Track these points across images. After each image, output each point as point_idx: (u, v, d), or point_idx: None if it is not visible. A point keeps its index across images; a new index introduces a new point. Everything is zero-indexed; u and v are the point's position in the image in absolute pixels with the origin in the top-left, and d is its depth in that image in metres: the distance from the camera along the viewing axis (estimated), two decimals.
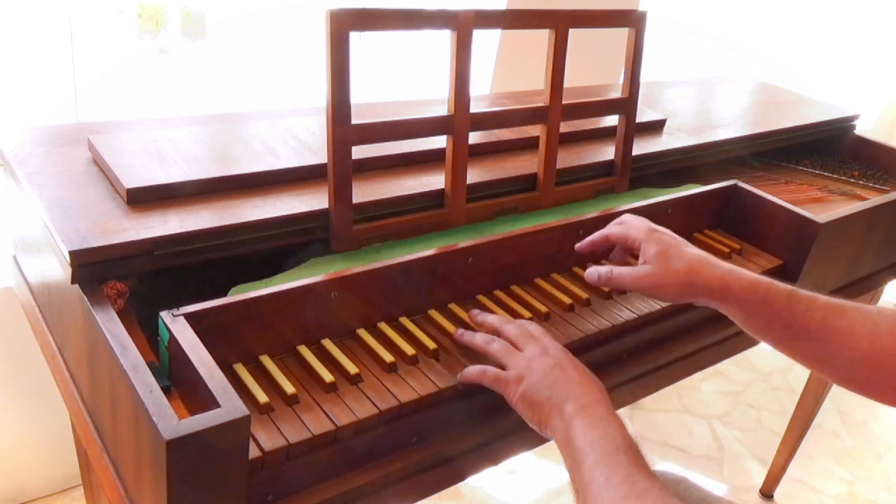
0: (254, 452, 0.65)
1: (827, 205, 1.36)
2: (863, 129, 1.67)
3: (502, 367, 0.78)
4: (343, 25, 0.81)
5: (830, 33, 2.93)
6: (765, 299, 0.82)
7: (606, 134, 1.24)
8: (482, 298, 0.93)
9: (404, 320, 0.86)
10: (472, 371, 0.79)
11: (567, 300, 0.95)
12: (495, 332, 0.83)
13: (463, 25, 0.91)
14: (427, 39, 1.86)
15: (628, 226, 0.91)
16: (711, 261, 0.85)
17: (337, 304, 0.81)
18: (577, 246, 0.95)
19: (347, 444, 0.72)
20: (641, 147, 1.22)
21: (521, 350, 0.79)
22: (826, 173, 1.53)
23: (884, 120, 3.22)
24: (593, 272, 0.89)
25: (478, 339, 0.82)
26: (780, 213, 1.14)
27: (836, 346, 0.80)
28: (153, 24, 1.67)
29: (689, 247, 0.87)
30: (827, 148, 1.63)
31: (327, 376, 0.75)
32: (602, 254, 0.98)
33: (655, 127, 1.34)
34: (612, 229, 0.92)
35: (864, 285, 1.38)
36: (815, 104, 1.67)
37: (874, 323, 0.79)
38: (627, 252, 0.94)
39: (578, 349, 0.90)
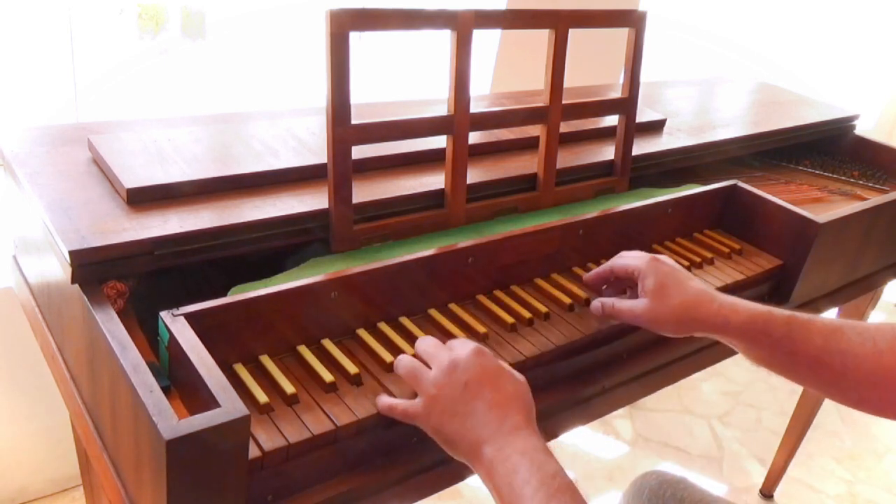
0: (254, 452, 0.65)
1: (827, 205, 1.36)
2: (863, 129, 1.67)
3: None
4: (343, 25, 0.81)
5: (830, 33, 2.93)
6: (764, 329, 0.82)
7: (606, 134, 1.24)
8: (482, 298, 0.93)
9: (404, 320, 0.86)
10: (382, 404, 0.72)
11: (567, 300, 0.95)
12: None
13: (463, 25, 0.91)
14: (427, 39, 1.86)
15: (630, 256, 0.91)
16: (708, 295, 0.84)
17: (337, 304, 0.81)
18: (585, 278, 0.96)
19: (347, 444, 0.72)
20: (641, 147, 1.22)
21: (430, 366, 0.72)
22: (826, 173, 1.53)
23: (884, 120, 3.22)
24: (597, 304, 0.90)
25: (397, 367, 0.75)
26: (780, 213, 1.14)
27: (841, 368, 0.79)
28: (153, 24, 1.67)
29: (689, 280, 0.86)
30: (827, 148, 1.63)
31: (327, 376, 0.75)
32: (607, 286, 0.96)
33: (655, 127, 1.34)
34: (615, 262, 0.92)
35: (864, 285, 1.38)
36: (815, 104, 1.67)
37: (874, 342, 0.79)
38: (631, 284, 0.91)
39: (579, 349, 0.91)
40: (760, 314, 0.82)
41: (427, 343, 0.75)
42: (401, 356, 0.75)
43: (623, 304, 0.87)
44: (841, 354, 0.79)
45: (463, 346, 0.73)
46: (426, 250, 0.88)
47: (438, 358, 0.72)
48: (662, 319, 0.84)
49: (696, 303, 0.83)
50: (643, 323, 0.85)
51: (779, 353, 0.82)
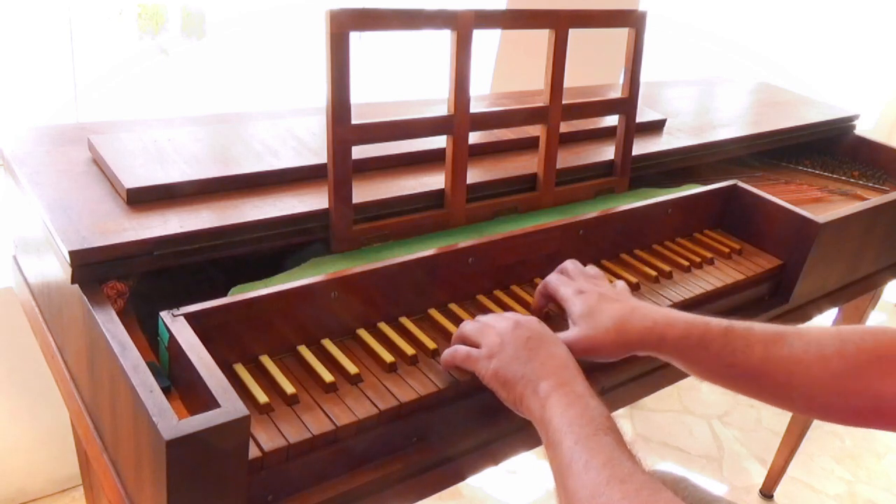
0: (254, 452, 0.65)
1: (827, 205, 1.36)
2: (863, 129, 1.67)
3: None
4: (343, 25, 0.81)
5: (830, 33, 2.93)
6: (701, 343, 0.78)
7: (606, 134, 1.24)
8: (482, 298, 0.93)
9: (404, 320, 0.86)
10: (446, 354, 0.78)
11: None
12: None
13: (463, 25, 0.91)
14: (427, 39, 1.86)
15: (558, 282, 0.86)
16: (640, 311, 0.80)
17: (337, 304, 0.81)
18: (532, 309, 0.91)
19: (347, 444, 0.72)
20: (641, 147, 1.22)
21: (494, 327, 0.76)
22: (826, 173, 1.53)
23: (884, 120, 3.21)
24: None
25: (453, 339, 0.80)
26: (780, 213, 1.14)
27: (786, 377, 0.76)
28: (153, 24, 1.67)
29: (616, 301, 0.81)
30: (827, 148, 1.63)
31: (327, 376, 0.75)
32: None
33: (655, 127, 1.34)
34: (548, 282, 0.88)
35: (864, 285, 1.38)
36: (815, 104, 1.67)
37: (819, 347, 0.76)
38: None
39: None
40: (696, 327, 0.78)
41: (486, 316, 0.80)
42: (465, 322, 0.81)
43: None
44: (784, 362, 0.76)
45: (521, 316, 0.79)
46: (426, 250, 0.88)
47: (502, 318, 0.78)
48: (598, 345, 0.78)
49: (629, 320, 0.79)
50: (579, 352, 0.77)
51: (718, 367, 0.78)
